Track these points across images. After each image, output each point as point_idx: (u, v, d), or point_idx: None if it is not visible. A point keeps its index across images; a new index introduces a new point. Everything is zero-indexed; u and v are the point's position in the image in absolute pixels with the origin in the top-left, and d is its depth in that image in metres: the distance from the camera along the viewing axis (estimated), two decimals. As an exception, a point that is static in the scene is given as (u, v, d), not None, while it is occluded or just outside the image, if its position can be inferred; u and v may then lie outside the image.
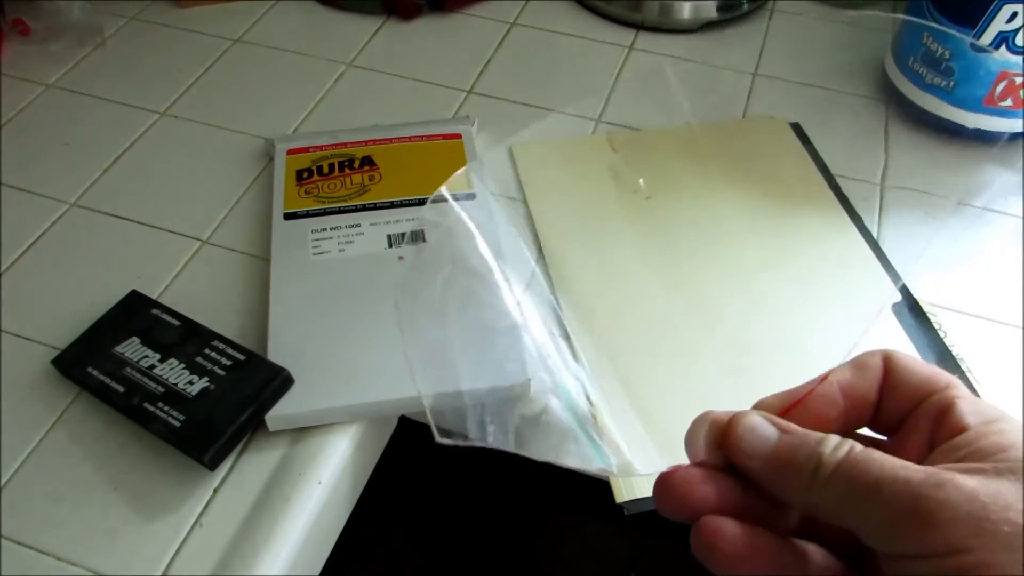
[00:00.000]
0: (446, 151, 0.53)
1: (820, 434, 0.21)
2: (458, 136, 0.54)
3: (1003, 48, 0.50)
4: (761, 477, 0.22)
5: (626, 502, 0.37)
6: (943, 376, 0.23)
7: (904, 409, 0.23)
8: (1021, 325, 0.45)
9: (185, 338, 0.41)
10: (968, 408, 0.22)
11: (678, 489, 0.22)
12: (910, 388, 0.23)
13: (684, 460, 0.23)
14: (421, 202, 0.49)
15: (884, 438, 0.24)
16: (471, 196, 0.50)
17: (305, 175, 0.51)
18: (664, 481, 0.23)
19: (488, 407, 0.33)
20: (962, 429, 0.21)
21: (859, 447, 0.20)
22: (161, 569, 0.36)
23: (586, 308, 0.45)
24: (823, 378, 0.24)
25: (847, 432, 0.23)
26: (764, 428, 0.22)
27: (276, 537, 0.37)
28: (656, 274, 0.47)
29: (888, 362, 0.24)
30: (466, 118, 0.56)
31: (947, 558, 0.18)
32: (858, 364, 0.24)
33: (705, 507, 0.22)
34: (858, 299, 0.46)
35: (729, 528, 0.21)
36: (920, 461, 0.21)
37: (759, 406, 0.24)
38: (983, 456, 0.20)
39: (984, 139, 0.55)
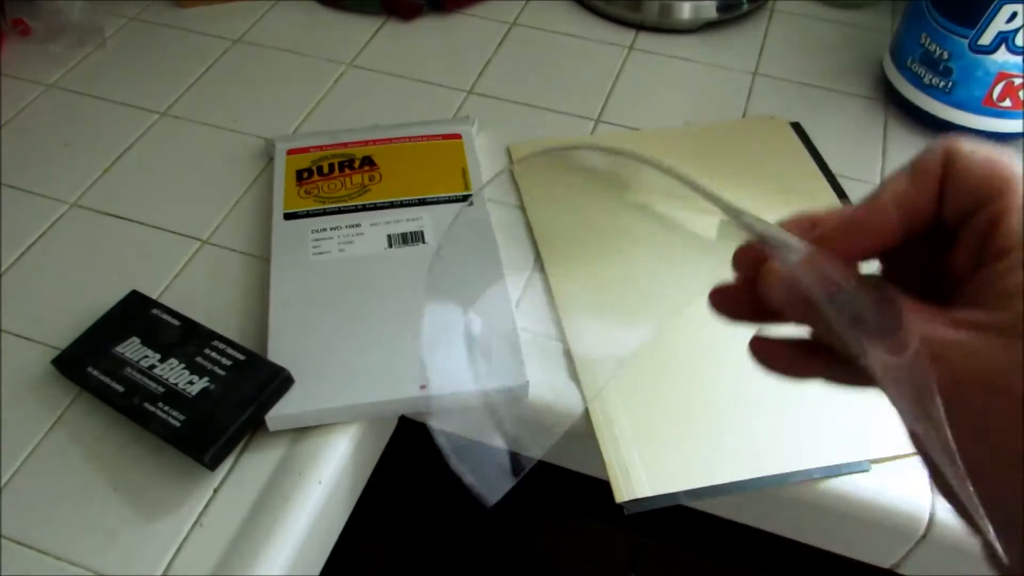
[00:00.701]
0: (446, 151, 0.53)
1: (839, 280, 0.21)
2: (458, 136, 0.54)
3: (1002, 48, 0.50)
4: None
5: (626, 502, 0.37)
6: (999, 178, 0.20)
7: (964, 216, 0.21)
8: (1021, 325, 0.45)
9: (185, 338, 0.41)
10: (1012, 227, 0.19)
11: (728, 300, 0.25)
12: (966, 195, 0.20)
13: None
14: (421, 202, 0.49)
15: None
16: (469, 198, 0.50)
17: (305, 175, 0.51)
18: (717, 291, 0.25)
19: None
20: (997, 255, 0.19)
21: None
22: (161, 569, 0.36)
23: (583, 310, 0.45)
24: (876, 199, 0.22)
25: (909, 238, 0.22)
26: (792, 286, 0.22)
27: (276, 537, 0.37)
28: (653, 276, 0.47)
29: (948, 164, 0.21)
30: (466, 118, 0.56)
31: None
32: (916, 170, 0.21)
33: (749, 315, 0.24)
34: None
35: (773, 347, 0.24)
36: (962, 290, 0.20)
37: (819, 224, 0.22)
38: (989, 300, 0.19)
39: (983, 140, 0.55)
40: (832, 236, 0.22)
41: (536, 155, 0.26)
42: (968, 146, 0.21)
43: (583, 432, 0.40)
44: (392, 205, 0.49)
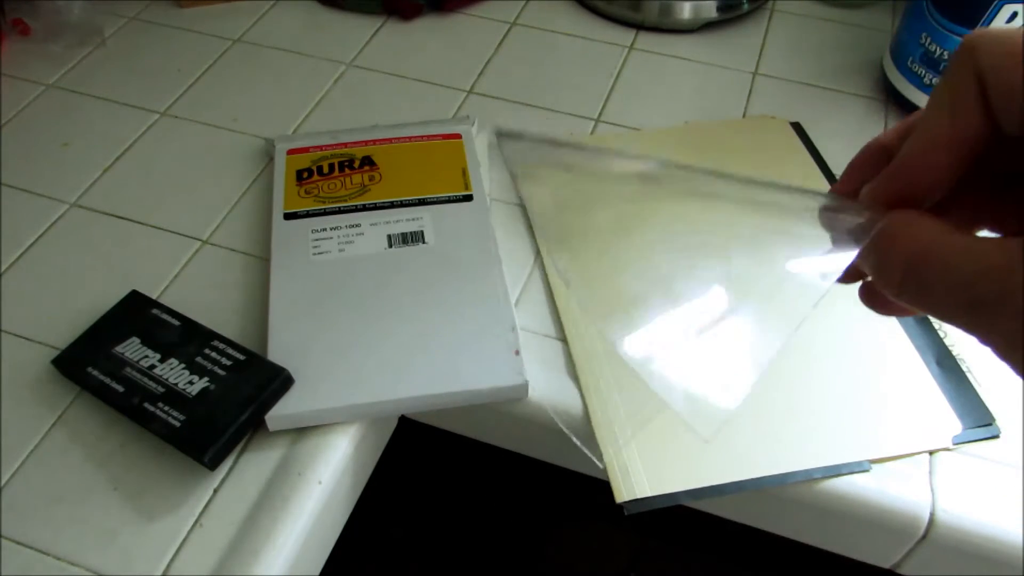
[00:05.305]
0: (446, 151, 0.53)
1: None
2: (458, 136, 0.54)
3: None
4: None
5: (626, 502, 0.37)
6: None
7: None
8: (1021, 325, 0.45)
9: (185, 338, 0.41)
10: None
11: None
12: (1018, 97, 0.19)
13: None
14: (421, 202, 0.49)
15: None
16: (469, 198, 0.50)
17: (305, 175, 0.51)
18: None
19: None
20: None
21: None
22: (161, 569, 0.36)
23: (583, 310, 0.45)
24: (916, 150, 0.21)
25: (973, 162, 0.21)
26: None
27: (276, 537, 0.37)
28: (654, 277, 0.47)
29: (982, 76, 0.19)
30: (466, 118, 0.56)
31: None
32: (951, 107, 0.20)
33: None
34: (859, 301, 0.46)
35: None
36: None
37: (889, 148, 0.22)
38: None
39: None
40: (881, 192, 0.22)
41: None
42: (991, 45, 0.19)
43: (583, 432, 0.40)
44: (392, 205, 0.49)
